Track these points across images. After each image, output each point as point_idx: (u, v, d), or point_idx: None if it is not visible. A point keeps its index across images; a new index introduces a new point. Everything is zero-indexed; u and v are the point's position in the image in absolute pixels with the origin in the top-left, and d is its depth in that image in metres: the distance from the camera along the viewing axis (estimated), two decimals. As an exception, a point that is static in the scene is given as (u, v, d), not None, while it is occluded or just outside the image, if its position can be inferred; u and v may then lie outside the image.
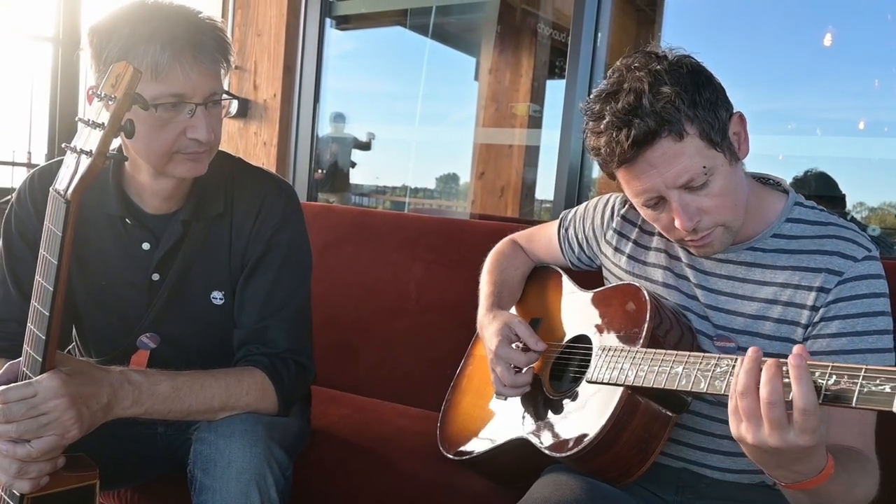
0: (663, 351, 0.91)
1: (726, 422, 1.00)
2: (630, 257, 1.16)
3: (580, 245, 1.28)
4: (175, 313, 1.13)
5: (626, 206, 1.19)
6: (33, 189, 1.10)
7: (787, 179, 2.51)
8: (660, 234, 1.12)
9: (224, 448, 0.99)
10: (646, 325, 0.98)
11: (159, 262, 1.10)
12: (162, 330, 1.14)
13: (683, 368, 0.86)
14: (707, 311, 1.03)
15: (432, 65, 4.43)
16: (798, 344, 0.73)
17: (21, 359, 0.86)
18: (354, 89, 4.11)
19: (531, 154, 4.26)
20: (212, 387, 1.01)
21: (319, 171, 4.12)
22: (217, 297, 1.14)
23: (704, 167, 0.91)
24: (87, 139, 0.80)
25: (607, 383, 0.97)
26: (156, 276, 1.11)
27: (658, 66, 0.92)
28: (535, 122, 4.21)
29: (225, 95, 1.02)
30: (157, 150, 1.00)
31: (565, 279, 1.28)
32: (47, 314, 0.81)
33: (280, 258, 1.13)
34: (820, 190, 2.42)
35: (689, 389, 0.85)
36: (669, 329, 1.02)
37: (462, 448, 1.22)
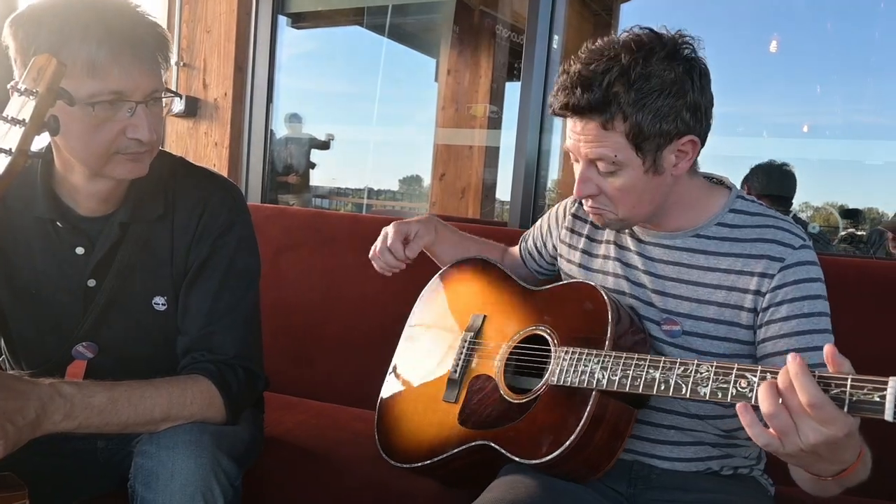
0: (633, 355, 0.92)
1: (671, 412, 1.05)
2: (584, 252, 1.19)
3: (539, 251, 1.32)
4: (114, 321, 1.08)
5: (577, 204, 1.22)
6: None
7: (739, 177, 2.56)
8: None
9: (167, 460, 0.94)
10: (609, 328, 0.98)
11: (95, 267, 1.05)
12: (100, 339, 1.08)
13: (661, 374, 0.88)
14: (654, 296, 1.06)
15: (392, 65, 4.40)
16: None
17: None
18: (312, 89, 4.05)
19: (491, 155, 4.27)
20: (152, 397, 0.96)
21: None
22: (159, 302, 1.09)
23: (616, 157, 0.96)
24: (6, 136, 0.74)
25: (576, 387, 0.96)
26: (92, 282, 1.05)
27: (648, 57, 0.93)
28: (494, 123, 4.22)
29: (166, 93, 0.98)
30: (94, 150, 0.95)
31: (514, 277, 1.25)
32: (-36, 324, 0.75)
33: (226, 261, 1.09)
34: (772, 188, 2.44)
35: (670, 395, 0.87)
36: (628, 329, 1.02)
37: (411, 455, 1.17)
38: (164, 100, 0.99)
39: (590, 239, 1.19)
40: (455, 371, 1.18)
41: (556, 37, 2.14)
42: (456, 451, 1.10)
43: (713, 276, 1.02)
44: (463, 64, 4.35)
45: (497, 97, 4.34)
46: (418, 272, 1.71)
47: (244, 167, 2.68)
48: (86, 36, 0.88)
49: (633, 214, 1.03)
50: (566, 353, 0.99)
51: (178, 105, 2.46)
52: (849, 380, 0.71)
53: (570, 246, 1.22)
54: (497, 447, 1.03)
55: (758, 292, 0.99)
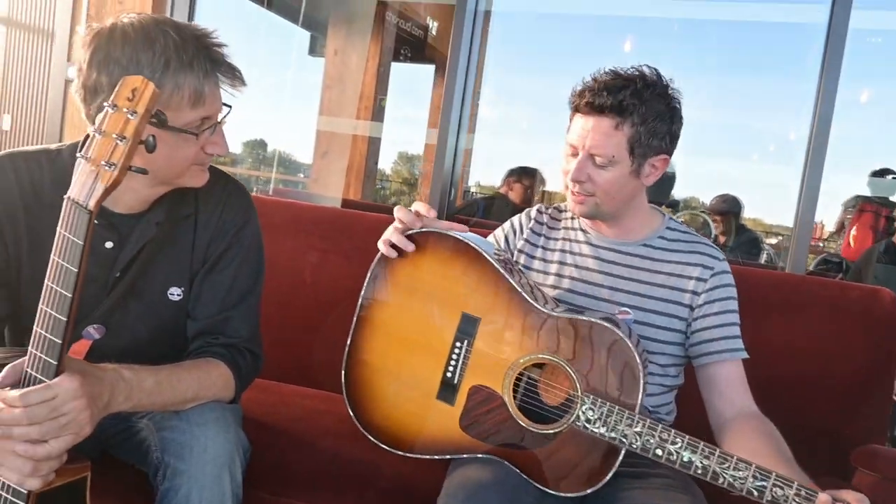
0: (669, 428, 1.01)
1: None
2: (541, 259, 1.39)
3: (498, 243, 1.46)
4: (128, 308, 1.15)
5: (534, 217, 1.43)
6: (18, 169, 1.08)
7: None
8: (564, 238, 1.38)
9: (199, 434, 1.06)
10: (640, 395, 1.04)
11: (126, 262, 1.11)
12: (111, 322, 1.15)
13: (698, 458, 0.99)
14: (606, 291, 1.30)
15: (261, 30, 4.39)
16: None
17: (25, 359, 0.86)
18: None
19: (374, 143, 4.42)
20: (186, 380, 1.07)
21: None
22: (175, 293, 1.17)
23: (613, 156, 1.21)
24: (104, 149, 0.82)
25: (605, 438, 1.04)
26: (117, 274, 1.12)
27: (654, 88, 1.21)
28: (378, 114, 4.35)
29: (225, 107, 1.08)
30: (176, 167, 1.06)
31: (512, 282, 1.18)
32: (64, 319, 0.83)
33: (241, 253, 1.21)
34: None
35: (707, 479, 0.98)
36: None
37: (415, 447, 1.21)
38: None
39: (545, 248, 1.40)
40: (451, 374, 1.19)
41: (472, 58, 2.37)
42: (465, 456, 1.17)
43: (658, 276, 1.29)
44: (350, 45, 4.41)
45: (383, 81, 4.48)
46: (354, 261, 1.86)
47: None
48: (192, 68, 0.97)
49: (608, 204, 1.26)
50: (594, 402, 1.07)
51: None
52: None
53: (528, 256, 1.40)
54: (514, 467, 1.11)
55: (694, 292, 1.27)
